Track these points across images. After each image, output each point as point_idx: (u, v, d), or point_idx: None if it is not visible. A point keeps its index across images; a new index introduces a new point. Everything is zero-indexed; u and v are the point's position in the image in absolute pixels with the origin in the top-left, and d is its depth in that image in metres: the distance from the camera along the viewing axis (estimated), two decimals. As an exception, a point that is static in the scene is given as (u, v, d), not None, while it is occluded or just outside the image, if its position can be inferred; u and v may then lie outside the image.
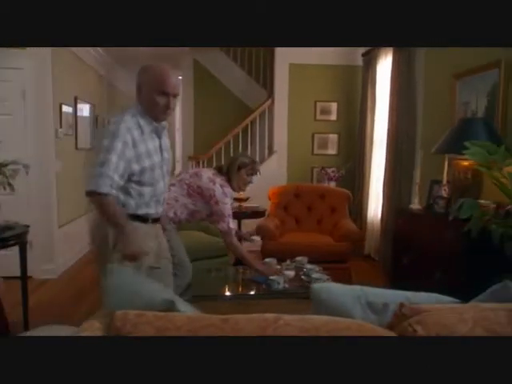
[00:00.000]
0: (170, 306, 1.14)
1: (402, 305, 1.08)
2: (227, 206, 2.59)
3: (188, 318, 1.02)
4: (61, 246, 4.54)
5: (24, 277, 2.99)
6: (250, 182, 2.80)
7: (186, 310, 1.17)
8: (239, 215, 4.23)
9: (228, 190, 2.63)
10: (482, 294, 1.40)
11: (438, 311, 1.04)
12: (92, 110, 5.92)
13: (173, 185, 2.65)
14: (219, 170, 2.73)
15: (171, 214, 2.61)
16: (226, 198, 2.59)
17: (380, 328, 1.03)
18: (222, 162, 3.56)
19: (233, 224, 2.65)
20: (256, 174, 2.82)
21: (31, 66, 4.14)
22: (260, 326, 0.99)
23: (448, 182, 3.08)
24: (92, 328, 1.27)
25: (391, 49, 4.47)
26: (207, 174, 2.67)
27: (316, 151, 5.64)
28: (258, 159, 5.50)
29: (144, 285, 1.29)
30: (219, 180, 2.63)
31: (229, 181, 2.69)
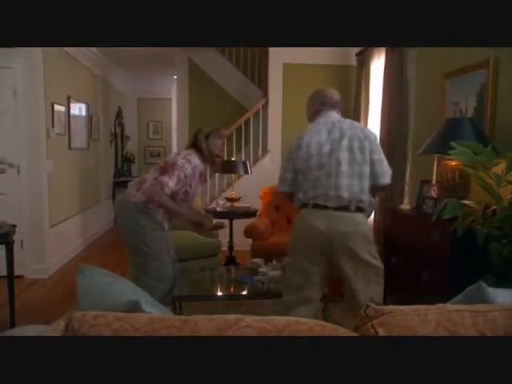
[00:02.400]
0: (134, 307, 1.14)
1: (366, 306, 1.07)
2: (182, 167, 2.57)
3: (149, 318, 1.01)
4: (52, 245, 4.54)
5: (11, 276, 2.98)
6: (223, 147, 2.86)
7: (151, 310, 1.16)
8: (230, 215, 4.22)
9: (193, 159, 2.63)
10: (459, 294, 1.39)
11: (402, 313, 1.03)
12: (87, 109, 5.92)
13: (148, 173, 2.76)
14: (190, 147, 2.77)
15: (152, 204, 2.60)
16: (186, 164, 2.59)
17: (343, 329, 1.02)
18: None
19: (171, 182, 2.54)
20: (223, 137, 2.86)
21: (22, 65, 4.14)
22: (220, 327, 0.98)
23: (437, 182, 3.06)
24: (58, 328, 1.26)
25: (384, 48, 4.46)
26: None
27: (310, 151, 5.63)
28: (252, 159, 5.51)
29: (112, 285, 1.28)
30: (187, 151, 2.70)
31: (201, 154, 2.71)
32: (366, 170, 2.29)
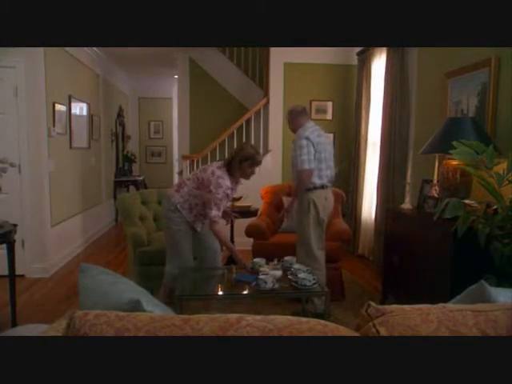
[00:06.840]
0: (135, 306, 1.14)
1: (368, 305, 1.07)
2: (217, 195, 2.78)
3: (150, 318, 1.01)
4: (53, 245, 4.54)
5: (12, 276, 2.98)
6: (253, 173, 2.97)
7: (152, 309, 1.16)
8: (231, 214, 4.21)
9: (224, 182, 2.80)
10: (460, 294, 1.39)
11: (403, 312, 1.03)
12: (88, 108, 5.92)
13: (188, 179, 3.01)
14: (225, 163, 2.92)
15: (186, 206, 2.93)
16: (218, 188, 2.78)
17: (344, 328, 1.02)
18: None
19: (217, 212, 2.81)
20: (258, 165, 2.97)
21: (23, 64, 4.14)
22: (221, 326, 0.97)
23: (438, 181, 3.06)
24: (59, 328, 1.26)
25: (385, 48, 4.46)
26: (212, 167, 2.91)
27: (311, 150, 5.62)
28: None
29: (113, 285, 1.28)
30: (219, 172, 2.84)
31: (231, 173, 2.88)
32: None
